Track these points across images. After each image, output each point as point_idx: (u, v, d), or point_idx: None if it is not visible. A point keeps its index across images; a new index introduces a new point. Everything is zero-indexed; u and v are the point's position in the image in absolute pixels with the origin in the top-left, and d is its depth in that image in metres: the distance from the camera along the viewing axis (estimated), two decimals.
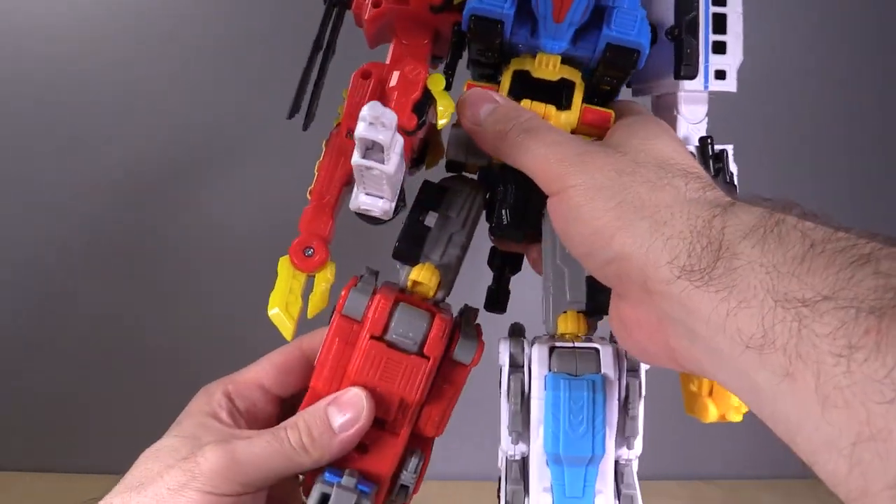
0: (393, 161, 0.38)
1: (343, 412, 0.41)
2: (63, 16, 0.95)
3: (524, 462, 0.45)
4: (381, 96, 0.42)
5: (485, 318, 0.49)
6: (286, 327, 0.44)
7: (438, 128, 0.45)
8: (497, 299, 0.53)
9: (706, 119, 0.48)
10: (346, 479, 0.41)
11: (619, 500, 0.44)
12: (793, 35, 1.00)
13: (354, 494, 0.40)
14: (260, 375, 0.47)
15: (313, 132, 0.46)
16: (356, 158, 0.38)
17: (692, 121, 0.47)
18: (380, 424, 0.43)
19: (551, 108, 0.43)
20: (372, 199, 0.41)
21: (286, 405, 0.47)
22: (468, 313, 0.47)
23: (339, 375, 0.43)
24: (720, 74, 0.46)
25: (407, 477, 0.44)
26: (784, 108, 1.00)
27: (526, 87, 0.44)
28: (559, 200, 0.37)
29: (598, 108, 0.44)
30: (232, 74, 0.97)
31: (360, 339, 0.43)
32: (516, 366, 0.45)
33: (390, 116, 0.37)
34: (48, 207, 0.98)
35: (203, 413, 0.44)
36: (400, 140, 0.39)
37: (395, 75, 0.42)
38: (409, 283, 0.45)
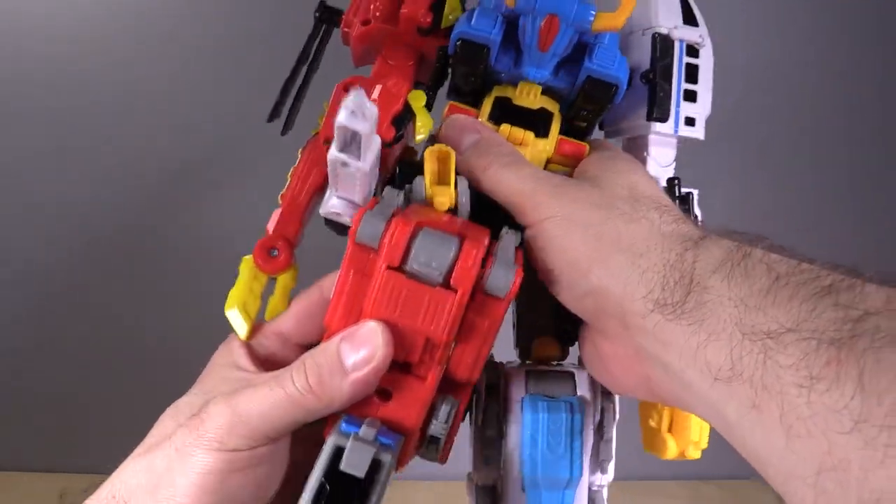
0: (368, 159, 0.37)
1: (357, 349, 0.36)
2: (63, 16, 0.95)
3: (493, 490, 0.45)
4: None
5: None
6: (242, 327, 0.43)
7: (416, 142, 0.44)
8: None
9: (674, 164, 0.49)
10: (365, 430, 0.35)
11: None
12: (792, 27, 0.99)
13: (373, 448, 0.34)
14: (279, 324, 0.43)
15: (300, 137, 0.46)
16: (333, 152, 0.37)
17: (662, 164, 0.49)
18: (405, 368, 0.38)
19: (530, 135, 0.44)
20: (343, 203, 0.40)
21: None
22: (508, 236, 0.39)
23: (355, 311, 0.37)
24: (690, 121, 0.48)
25: (437, 427, 0.38)
26: (783, 100, 0.99)
27: (505, 113, 0.45)
28: (536, 232, 0.37)
29: (573, 140, 0.45)
30: (232, 75, 0.97)
31: (376, 270, 0.36)
32: (492, 388, 0.44)
33: (372, 109, 0.35)
34: (48, 207, 0.98)
35: (223, 365, 0.42)
36: (377, 140, 0.38)
37: (377, 89, 0.43)
38: (428, 160, 0.39)
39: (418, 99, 0.43)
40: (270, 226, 0.44)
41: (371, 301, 0.36)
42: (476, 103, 0.46)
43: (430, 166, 0.39)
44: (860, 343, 0.26)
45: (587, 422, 0.43)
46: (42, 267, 0.99)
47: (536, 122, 0.44)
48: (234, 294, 0.43)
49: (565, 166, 0.44)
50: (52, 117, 0.96)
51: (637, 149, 0.49)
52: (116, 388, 1.01)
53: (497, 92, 0.45)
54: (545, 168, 0.44)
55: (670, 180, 0.49)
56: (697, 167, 0.50)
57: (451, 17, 0.45)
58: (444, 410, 0.38)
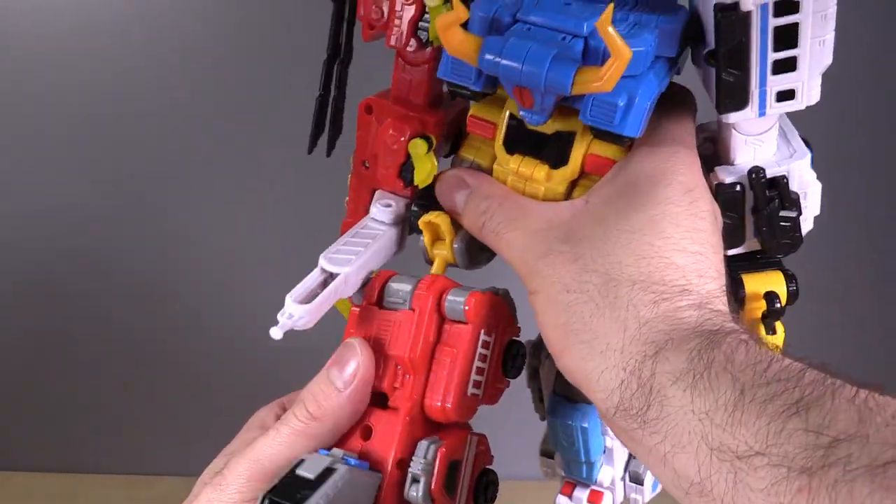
0: (327, 305, 0.41)
1: (342, 368, 0.40)
2: (67, 20, 0.92)
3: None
4: (373, 153, 0.45)
5: None
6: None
7: (421, 188, 0.44)
8: None
9: (774, 128, 0.39)
10: (335, 451, 0.39)
11: (626, 472, 0.49)
12: None
13: (330, 458, 0.37)
14: None
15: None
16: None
17: (751, 133, 0.39)
18: (383, 404, 0.41)
19: (542, 170, 0.39)
20: None
21: None
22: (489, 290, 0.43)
23: None
24: (785, 95, 0.36)
25: (416, 464, 0.39)
26: None
27: (522, 134, 0.40)
28: (530, 299, 0.38)
29: (605, 153, 0.39)
30: (230, 76, 0.95)
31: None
32: (535, 375, 0.48)
33: (303, 315, 0.39)
34: (47, 210, 0.98)
35: (252, 428, 0.44)
36: (328, 299, 0.41)
37: (380, 140, 0.44)
38: (423, 230, 0.43)
39: (417, 147, 0.43)
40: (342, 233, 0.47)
41: (353, 334, 0.42)
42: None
43: (425, 235, 0.43)
44: (832, 472, 0.26)
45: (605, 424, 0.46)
46: (42, 268, 0.99)
47: (554, 147, 0.40)
48: None
49: (601, 175, 0.40)
50: (53, 118, 0.95)
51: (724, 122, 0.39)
52: (116, 389, 1.02)
53: (511, 107, 0.40)
54: (574, 187, 0.40)
55: (752, 171, 0.39)
56: None
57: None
58: (423, 445, 0.40)
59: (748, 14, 0.34)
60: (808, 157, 0.40)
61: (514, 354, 0.42)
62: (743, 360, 0.31)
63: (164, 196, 0.98)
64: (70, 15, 0.91)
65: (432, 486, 0.39)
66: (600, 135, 0.37)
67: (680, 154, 0.38)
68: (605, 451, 0.47)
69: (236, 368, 0.93)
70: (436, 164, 0.43)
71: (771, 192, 0.39)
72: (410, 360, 0.40)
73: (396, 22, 0.41)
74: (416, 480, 0.39)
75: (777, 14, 0.34)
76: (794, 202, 0.39)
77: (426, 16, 0.41)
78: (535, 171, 0.40)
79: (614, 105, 0.35)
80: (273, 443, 0.39)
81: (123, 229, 0.98)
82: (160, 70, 0.94)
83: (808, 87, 0.36)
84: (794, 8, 0.34)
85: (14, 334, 1.00)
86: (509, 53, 0.35)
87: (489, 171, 0.42)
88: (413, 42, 0.42)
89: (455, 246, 0.42)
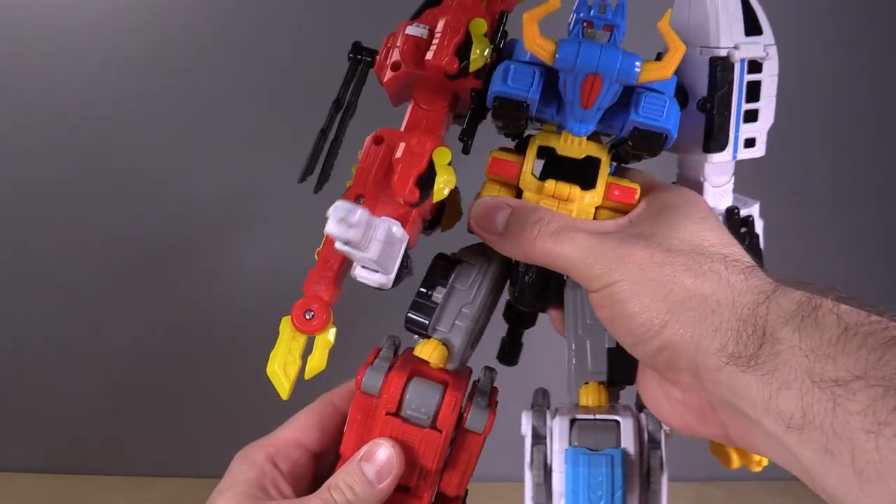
0: (373, 248, 0.39)
1: (375, 465, 0.43)
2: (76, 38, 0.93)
3: None
4: (389, 168, 0.44)
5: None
6: (282, 386, 0.44)
7: (434, 201, 0.43)
8: (509, 352, 0.55)
9: (732, 181, 0.48)
10: None
11: None
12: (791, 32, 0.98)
13: None
14: (298, 435, 0.47)
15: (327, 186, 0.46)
16: (338, 245, 0.38)
17: (717, 185, 0.48)
18: (404, 489, 0.45)
19: (576, 190, 0.43)
20: (368, 273, 0.41)
21: (320, 459, 0.48)
22: (486, 377, 0.48)
23: (364, 443, 0.46)
24: (749, 142, 0.46)
25: None
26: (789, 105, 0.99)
27: (550, 162, 0.44)
28: (603, 296, 0.38)
29: (623, 183, 0.44)
30: (244, 101, 0.96)
31: (377, 414, 0.45)
32: (539, 437, 0.45)
33: (358, 216, 0.36)
34: (50, 208, 0.97)
35: (247, 483, 0.44)
36: (382, 226, 0.39)
37: (401, 147, 0.43)
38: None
39: (442, 156, 0.43)
40: (306, 287, 0.44)
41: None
42: (520, 146, 0.46)
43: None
44: None
45: (631, 473, 0.43)
46: (43, 269, 0.99)
47: (583, 172, 0.44)
48: (275, 354, 0.44)
49: (616, 211, 0.44)
50: (62, 131, 0.95)
51: (691, 169, 0.49)
52: (116, 390, 1.01)
53: (540, 140, 0.44)
54: (595, 216, 0.44)
55: (729, 210, 0.48)
56: None
57: (479, 59, 0.44)
58: None
59: (733, 66, 0.44)
60: (757, 203, 0.49)
61: None
62: (846, 308, 0.33)
63: (172, 200, 0.98)
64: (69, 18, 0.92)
65: None
66: (641, 138, 0.42)
67: (690, 190, 0.44)
68: None
69: (237, 370, 0.89)
70: (454, 177, 0.43)
71: (742, 228, 0.48)
72: (437, 470, 0.45)
73: (437, 39, 0.44)
74: None
75: (749, 71, 0.45)
76: (758, 241, 0.49)
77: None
78: (570, 191, 0.43)
79: (662, 100, 0.41)
80: None
81: (122, 231, 0.99)
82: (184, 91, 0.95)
83: (761, 138, 0.46)
84: (758, 68, 0.45)
85: (12, 335, 0.99)
86: (586, 47, 0.39)
87: None
88: (454, 61, 0.43)
89: (450, 366, 0.46)
